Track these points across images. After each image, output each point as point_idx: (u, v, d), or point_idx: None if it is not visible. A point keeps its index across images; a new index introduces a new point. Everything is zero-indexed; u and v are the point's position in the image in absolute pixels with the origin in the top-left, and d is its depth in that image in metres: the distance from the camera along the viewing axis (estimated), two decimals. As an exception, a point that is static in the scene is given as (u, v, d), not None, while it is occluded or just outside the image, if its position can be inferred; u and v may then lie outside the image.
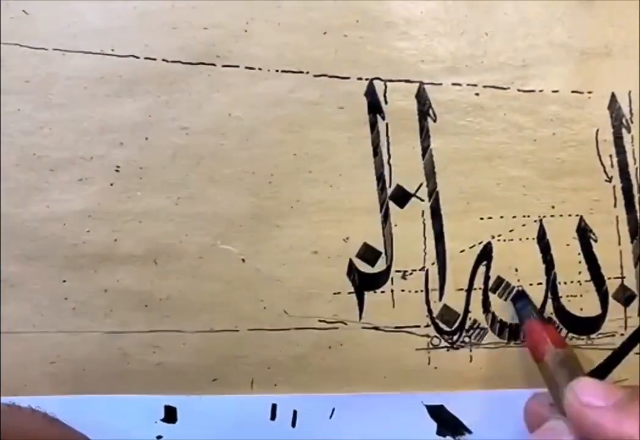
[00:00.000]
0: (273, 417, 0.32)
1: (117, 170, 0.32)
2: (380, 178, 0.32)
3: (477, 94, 0.32)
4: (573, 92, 0.31)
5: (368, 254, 0.32)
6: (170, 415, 0.32)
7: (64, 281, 0.32)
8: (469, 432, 0.32)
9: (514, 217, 0.32)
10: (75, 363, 0.32)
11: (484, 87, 0.32)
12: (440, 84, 0.32)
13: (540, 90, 0.31)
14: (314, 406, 0.32)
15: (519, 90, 0.31)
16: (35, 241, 0.32)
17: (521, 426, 0.31)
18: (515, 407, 0.31)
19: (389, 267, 0.32)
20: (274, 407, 0.32)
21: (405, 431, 0.32)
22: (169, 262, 0.32)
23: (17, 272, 0.32)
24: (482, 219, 0.32)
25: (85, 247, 0.32)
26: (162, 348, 0.32)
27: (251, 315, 0.32)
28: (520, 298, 0.31)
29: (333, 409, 0.32)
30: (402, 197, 0.32)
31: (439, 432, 0.32)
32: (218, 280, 0.32)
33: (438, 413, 0.32)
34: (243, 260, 0.32)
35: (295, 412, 0.32)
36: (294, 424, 0.32)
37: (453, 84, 0.32)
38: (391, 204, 0.32)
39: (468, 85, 0.32)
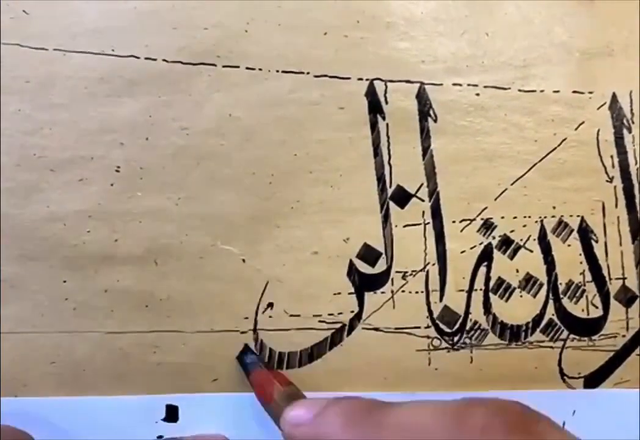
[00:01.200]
0: None
1: (117, 171, 0.32)
2: (380, 178, 0.32)
3: (477, 94, 0.32)
4: (574, 92, 0.31)
5: (368, 254, 0.32)
6: (171, 414, 0.32)
7: (64, 281, 0.32)
8: None
9: (515, 217, 0.32)
10: (75, 363, 0.32)
11: (485, 87, 0.31)
12: (441, 84, 0.32)
13: (541, 91, 0.31)
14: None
15: (519, 90, 0.31)
16: (36, 241, 0.32)
17: None
18: None
19: (389, 268, 0.32)
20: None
21: None
22: (170, 263, 0.32)
23: (17, 273, 0.32)
24: (482, 219, 0.32)
25: (86, 247, 0.32)
26: (163, 348, 0.32)
27: (251, 316, 0.32)
28: (245, 353, 0.32)
29: None
30: (402, 197, 0.32)
31: None
32: (218, 280, 0.32)
33: None
34: (243, 260, 0.32)
35: None
36: None
37: (454, 84, 0.32)
38: (392, 205, 0.32)
39: (469, 85, 0.32)
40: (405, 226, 0.32)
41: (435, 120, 0.32)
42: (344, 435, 0.23)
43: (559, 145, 0.31)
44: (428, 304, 0.32)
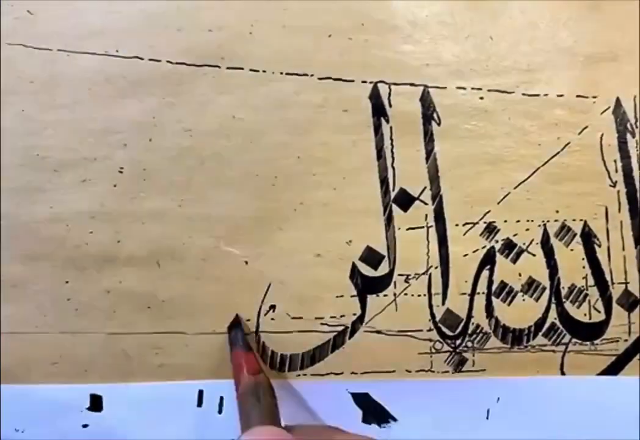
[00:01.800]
0: (200, 403, 0.32)
1: (120, 172, 0.32)
2: (383, 181, 0.32)
3: (481, 98, 0.32)
4: (578, 96, 0.31)
5: (371, 257, 0.32)
6: (95, 403, 0.32)
7: (67, 282, 0.32)
8: (394, 419, 0.32)
9: (518, 221, 0.32)
10: (77, 364, 0.32)
11: (489, 91, 0.31)
12: (445, 88, 0.32)
13: (545, 95, 0.31)
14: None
15: (523, 94, 0.31)
16: (38, 242, 0.32)
17: (446, 414, 0.31)
18: (440, 396, 0.31)
19: (392, 271, 0.32)
20: (200, 393, 0.32)
21: (331, 418, 0.32)
22: (172, 264, 0.32)
23: (19, 273, 0.32)
24: (485, 223, 0.32)
25: (89, 248, 0.32)
26: (165, 349, 0.32)
27: (254, 318, 0.32)
28: (234, 326, 0.31)
29: None
30: (405, 200, 0.32)
31: (364, 420, 0.32)
32: (221, 282, 0.32)
33: (363, 401, 0.32)
34: (246, 262, 0.32)
35: (222, 399, 0.32)
36: (220, 411, 0.32)
37: (457, 88, 0.32)
38: (394, 208, 0.32)
39: (473, 89, 0.32)
40: (408, 229, 0.32)
41: (438, 124, 0.32)
42: None
43: (562, 149, 0.31)
44: (430, 307, 0.32)
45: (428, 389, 0.31)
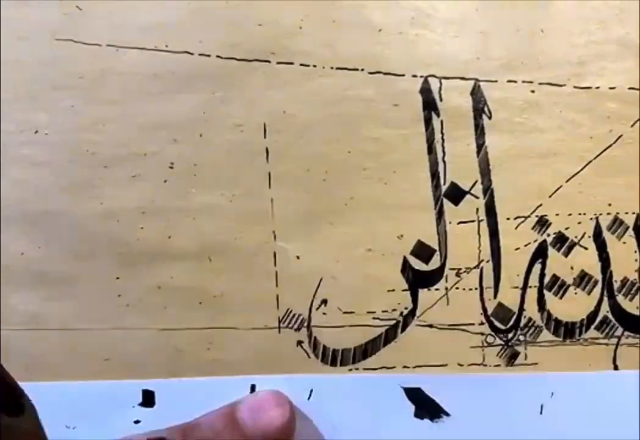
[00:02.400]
0: None
1: (171, 167, 0.32)
2: (434, 175, 0.32)
3: (532, 91, 0.31)
4: (630, 88, 0.31)
5: (422, 251, 0.32)
6: (147, 399, 0.32)
7: (117, 278, 0.32)
8: (447, 414, 0.32)
9: (570, 214, 0.32)
10: (129, 360, 0.32)
11: (540, 84, 0.31)
12: (496, 81, 0.31)
13: (597, 87, 0.31)
14: (292, 387, 0.32)
15: (575, 87, 0.31)
16: (89, 238, 0.32)
17: (499, 411, 0.31)
18: (494, 392, 0.31)
19: (443, 265, 0.32)
20: (253, 387, 0.32)
21: (382, 413, 0.32)
22: (223, 259, 0.32)
23: (70, 269, 0.32)
24: (537, 216, 0.32)
25: (139, 243, 0.32)
26: (217, 345, 0.32)
27: (305, 313, 0.32)
28: None
29: (311, 390, 0.32)
30: (456, 194, 0.32)
31: (416, 415, 0.32)
32: (272, 277, 0.32)
33: (415, 395, 0.32)
34: (297, 257, 0.32)
35: None
36: None
37: (508, 81, 0.31)
38: (445, 201, 0.32)
39: (524, 82, 0.31)
40: (459, 223, 0.32)
41: (489, 117, 0.31)
42: None
43: (614, 142, 0.31)
44: (482, 300, 0.32)
45: (481, 384, 0.31)
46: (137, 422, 0.32)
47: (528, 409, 0.31)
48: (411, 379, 0.32)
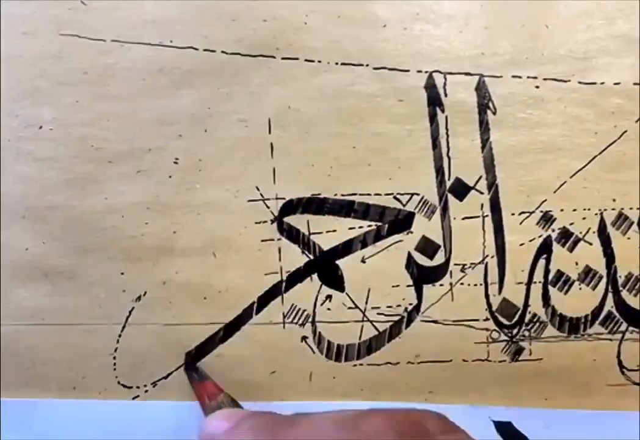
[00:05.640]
0: None
1: (175, 162, 0.32)
2: (439, 171, 0.32)
3: (537, 87, 0.31)
4: (635, 84, 0.31)
5: (427, 247, 0.32)
6: None
7: (122, 273, 0.32)
8: None
9: (574, 210, 0.32)
10: (134, 355, 0.32)
11: (545, 79, 0.31)
12: (501, 77, 0.31)
13: (602, 83, 0.31)
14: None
15: (579, 82, 0.31)
16: (93, 233, 0.32)
17: None
18: (586, 428, 0.31)
19: (447, 261, 0.32)
20: None
21: None
22: (228, 255, 0.32)
23: (75, 265, 0.32)
24: (542, 212, 0.32)
25: (144, 239, 0.32)
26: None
27: (310, 308, 0.32)
28: (188, 363, 0.32)
29: None
30: (461, 189, 0.32)
31: None
32: (277, 272, 0.32)
33: (505, 429, 0.32)
34: (302, 252, 0.32)
35: None
36: None
37: (513, 77, 0.31)
38: (450, 197, 0.32)
39: (528, 77, 0.31)
40: (464, 219, 0.32)
41: (494, 113, 0.31)
42: None
43: (619, 137, 0.31)
44: (487, 296, 0.32)
45: (575, 419, 0.31)
46: None
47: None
48: (501, 412, 0.31)
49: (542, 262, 0.32)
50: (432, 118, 0.32)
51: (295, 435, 0.23)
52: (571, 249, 0.32)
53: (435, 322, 0.32)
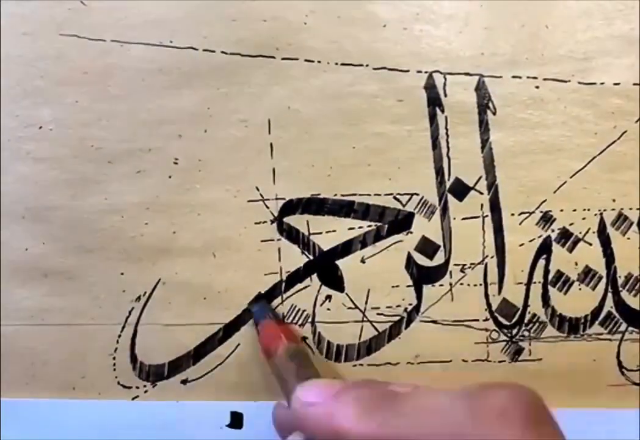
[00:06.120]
0: None
1: (175, 163, 0.32)
2: (439, 171, 0.32)
3: (537, 87, 0.31)
4: (635, 84, 0.31)
5: (426, 247, 0.32)
6: (236, 421, 0.32)
7: (122, 274, 0.32)
8: None
9: (574, 210, 0.32)
10: (134, 356, 0.32)
11: (544, 79, 0.31)
12: (500, 77, 0.31)
13: (602, 83, 0.31)
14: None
15: (579, 83, 0.31)
16: (93, 233, 0.32)
17: None
18: (586, 427, 0.31)
19: (447, 261, 0.32)
20: None
21: None
22: (228, 255, 0.32)
23: (75, 265, 0.32)
24: (541, 212, 0.32)
25: (144, 239, 0.32)
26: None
27: (309, 308, 0.32)
28: (257, 302, 0.31)
29: None
30: (461, 190, 0.32)
31: None
32: (277, 272, 0.32)
33: None
34: (302, 252, 0.32)
35: None
36: None
37: (513, 77, 0.31)
38: (450, 197, 0.32)
39: (528, 78, 0.31)
40: (463, 219, 0.32)
41: (494, 113, 0.31)
42: (359, 425, 0.22)
43: (619, 138, 0.31)
44: (486, 296, 0.32)
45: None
46: None
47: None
48: None
49: (541, 262, 0.32)
50: (432, 118, 0.32)
51: (412, 407, 0.22)
52: (571, 249, 0.32)
53: (435, 322, 0.32)
